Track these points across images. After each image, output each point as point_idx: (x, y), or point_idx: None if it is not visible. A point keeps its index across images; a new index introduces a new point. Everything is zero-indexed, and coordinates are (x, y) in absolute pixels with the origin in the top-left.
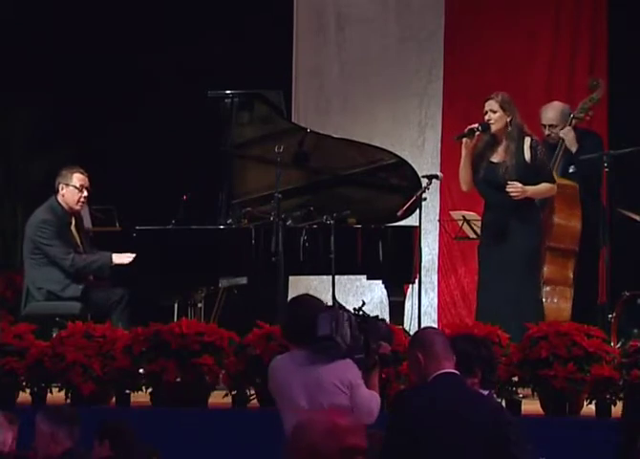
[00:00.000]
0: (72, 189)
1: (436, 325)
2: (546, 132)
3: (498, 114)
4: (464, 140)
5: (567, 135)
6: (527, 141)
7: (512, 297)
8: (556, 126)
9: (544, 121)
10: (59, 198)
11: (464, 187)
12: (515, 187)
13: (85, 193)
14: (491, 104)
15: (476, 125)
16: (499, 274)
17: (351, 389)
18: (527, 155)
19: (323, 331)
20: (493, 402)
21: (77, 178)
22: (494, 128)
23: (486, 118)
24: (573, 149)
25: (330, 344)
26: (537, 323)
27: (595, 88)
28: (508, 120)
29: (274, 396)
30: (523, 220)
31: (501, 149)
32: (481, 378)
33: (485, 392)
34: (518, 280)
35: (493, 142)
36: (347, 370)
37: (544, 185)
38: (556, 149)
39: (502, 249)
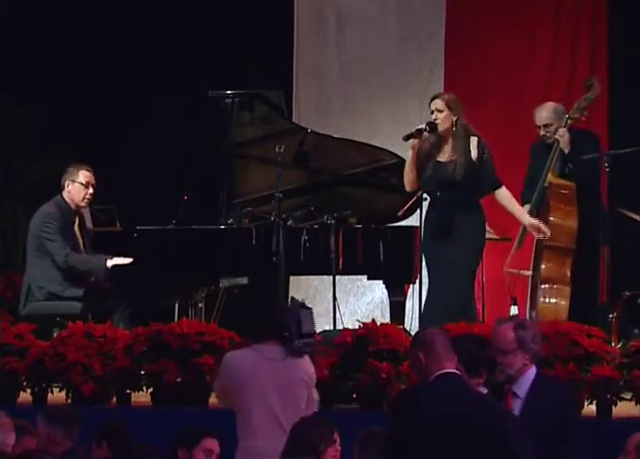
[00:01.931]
0: (77, 186)
1: None
2: (542, 132)
3: (444, 113)
4: (412, 140)
5: (563, 136)
6: (474, 140)
7: (449, 295)
8: (551, 125)
9: (537, 122)
10: (65, 194)
11: (408, 187)
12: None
13: (91, 190)
14: (437, 103)
15: (423, 125)
16: (443, 270)
17: (310, 383)
18: (474, 154)
19: (307, 328)
20: (493, 400)
21: (84, 175)
22: (440, 128)
23: (433, 117)
24: (566, 150)
25: (311, 341)
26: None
27: (590, 87)
28: (454, 119)
29: (232, 389)
30: (469, 220)
31: (447, 148)
32: (486, 378)
33: (485, 391)
34: (457, 278)
35: (439, 141)
36: (310, 365)
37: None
38: (551, 149)
39: (448, 245)
